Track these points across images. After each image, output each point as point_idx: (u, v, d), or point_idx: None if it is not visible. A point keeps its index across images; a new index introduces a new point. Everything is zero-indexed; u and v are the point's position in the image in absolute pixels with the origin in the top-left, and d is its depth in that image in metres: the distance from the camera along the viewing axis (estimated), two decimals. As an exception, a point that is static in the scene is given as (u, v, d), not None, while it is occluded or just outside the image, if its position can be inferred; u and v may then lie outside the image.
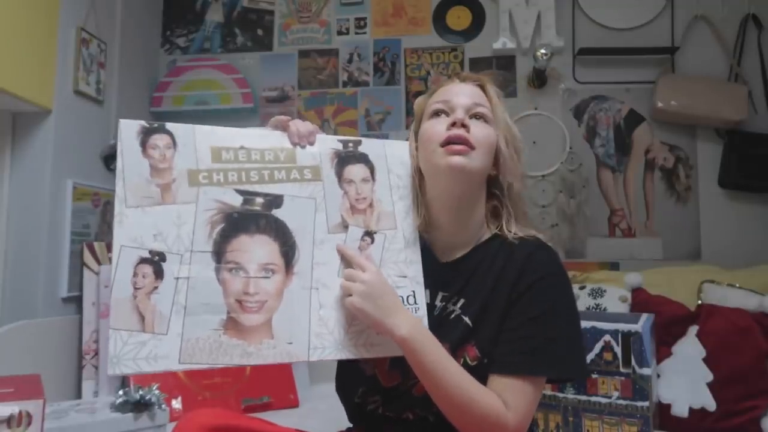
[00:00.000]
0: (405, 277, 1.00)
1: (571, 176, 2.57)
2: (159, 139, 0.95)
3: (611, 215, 2.64)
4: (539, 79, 2.66)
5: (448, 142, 0.98)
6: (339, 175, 1.01)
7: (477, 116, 1.02)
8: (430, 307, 1.02)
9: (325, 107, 2.85)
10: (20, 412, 1.12)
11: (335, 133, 2.82)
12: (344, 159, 1.03)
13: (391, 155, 1.06)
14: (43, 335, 2.03)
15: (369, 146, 1.05)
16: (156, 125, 0.96)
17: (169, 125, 0.96)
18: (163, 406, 1.68)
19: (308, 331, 0.94)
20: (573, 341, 0.97)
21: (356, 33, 2.87)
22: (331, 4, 2.90)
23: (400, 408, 1.00)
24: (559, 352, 0.94)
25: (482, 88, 1.06)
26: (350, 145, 1.04)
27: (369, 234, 1.01)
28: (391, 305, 0.92)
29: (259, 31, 2.93)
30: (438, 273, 1.02)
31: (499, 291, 0.97)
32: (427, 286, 1.02)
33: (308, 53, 2.89)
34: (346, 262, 0.97)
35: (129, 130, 0.94)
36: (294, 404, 2.09)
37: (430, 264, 1.03)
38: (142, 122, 0.95)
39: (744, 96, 2.46)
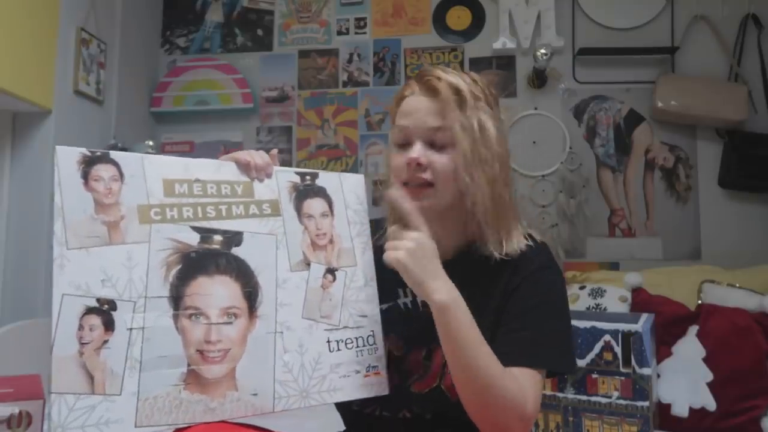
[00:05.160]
0: (365, 316, 0.94)
1: (571, 176, 2.57)
2: (103, 170, 0.83)
3: (611, 215, 2.63)
4: (539, 79, 2.66)
5: (406, 183, 0.96)
6: (298, 209, 0.96)
7: (436, 142, 0.97)
8: (416, 309, 1.01)
9: (325, 107, 2.84)
10: (20, 412, 1.12)
11: (335, 133, 2.82)
12: (302, 193, 0.97)
13: (348, 190, 1.01)
14: (43, 335, 2.03)
15: (326, 180, 1.00)
16: (99, 153, 0.84)
17: (114, 154, 0.85)
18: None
19: (273, 379, 0.88)
20: (564, 336, 0.97)
21: (356, 33, 2.86)
22: (331, 4, 2.90)
23: (396, 407, 0.99)
24: (550, 345, 0.94)
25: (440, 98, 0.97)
26: (307, 178, 0.99)
27: (331, 271, 0.96)
28: (436, 269, 0.88)
29: (259, 31, 2.93)
30: None
31: (491, 295, 0.97)
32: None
33: (308, 53, 2.89)
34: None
35: (67, 159, 0.81)
36: (294, 404, 2.09)
37: None
38: (83, 150, 0.83)
39: (744, 96, 2.46)
